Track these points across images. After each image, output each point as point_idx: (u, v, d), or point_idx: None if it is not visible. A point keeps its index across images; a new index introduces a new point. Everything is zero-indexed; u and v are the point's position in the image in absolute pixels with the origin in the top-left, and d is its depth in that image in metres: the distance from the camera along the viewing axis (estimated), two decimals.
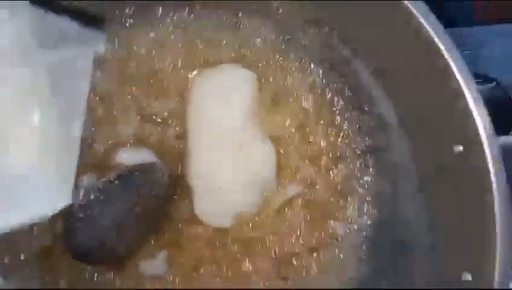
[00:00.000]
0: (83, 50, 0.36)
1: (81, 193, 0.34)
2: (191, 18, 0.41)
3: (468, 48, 0.58)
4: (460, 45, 0.57)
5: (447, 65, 0.32)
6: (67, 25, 0.35)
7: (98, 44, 0.38)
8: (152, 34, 0.41)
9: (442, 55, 0.32)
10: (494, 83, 0.55)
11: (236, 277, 0.39)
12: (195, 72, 0.41)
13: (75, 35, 0.36)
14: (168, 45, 0.41)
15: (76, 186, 0.34)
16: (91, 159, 0.38)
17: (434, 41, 0.32)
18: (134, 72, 0.40)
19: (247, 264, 0.40)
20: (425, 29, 0.32)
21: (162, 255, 0.39)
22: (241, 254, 0.40)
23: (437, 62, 0.32)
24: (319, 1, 0.37)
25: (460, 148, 0.30)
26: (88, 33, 0.37)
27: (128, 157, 0.37)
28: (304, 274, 0.40)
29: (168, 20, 0.41)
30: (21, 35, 0.30)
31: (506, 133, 0.48)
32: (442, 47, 0.32)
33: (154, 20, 0.41)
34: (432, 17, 0.32)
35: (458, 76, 0.31)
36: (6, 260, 0.37)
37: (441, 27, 0.32)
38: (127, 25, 0.40)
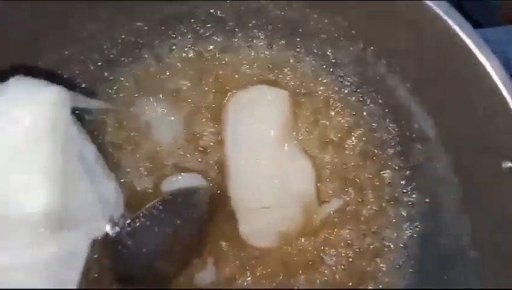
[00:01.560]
0: None
1: (127, 220, 0.35)
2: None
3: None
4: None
5: (489, 77, 0.31)
6: None
7: None
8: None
9: (483, 66, 0.31)
10: None
11: None
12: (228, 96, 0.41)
13: None
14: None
15: (123, 215, 0.35)
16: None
17: (472, 51, 0.31)
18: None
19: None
20: (463, 38, 0.31)
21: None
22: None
23: (477, 74, 0.31)
24: (352, 17, 0.37)
25: (509, 164, 0.30)
26: None
27: (172, 183, 0.38)
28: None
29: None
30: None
31: None
32: (481, 58, 0.31)
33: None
34: (469, 27, 0.31)
35: (502, 89, 0.30)
36: None
37: (479, 38, 0.31)
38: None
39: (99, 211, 0.33)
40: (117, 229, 0.35)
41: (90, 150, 0.34)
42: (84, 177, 0.32)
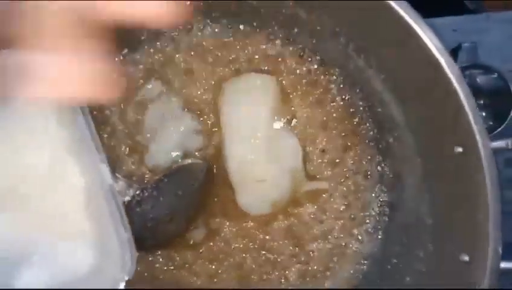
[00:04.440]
0: None
1: (137, 191, 0.41)
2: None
3: (468, 38, 0.61)
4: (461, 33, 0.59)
5: (446, 78, 0.36)
6: None
7: None
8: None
9: (441, 69, 0.36)
10: (496, 74, 0.58)
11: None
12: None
13: None
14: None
15: (131, 185, 0.41)
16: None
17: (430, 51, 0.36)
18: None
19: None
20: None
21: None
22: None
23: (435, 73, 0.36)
24: (337, 13, 0.41)
25: (460, 149, 0.36)
26: None
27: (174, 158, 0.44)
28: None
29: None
30: None
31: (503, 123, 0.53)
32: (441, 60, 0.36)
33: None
34: (434, 37, 0.35)
35: (456, 86, 0.35)
36: None
37: (440, 45, 0.36)
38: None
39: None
40: (128, 198, 0.40)
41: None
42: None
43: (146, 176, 0.45)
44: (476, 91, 0.55)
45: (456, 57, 0.58)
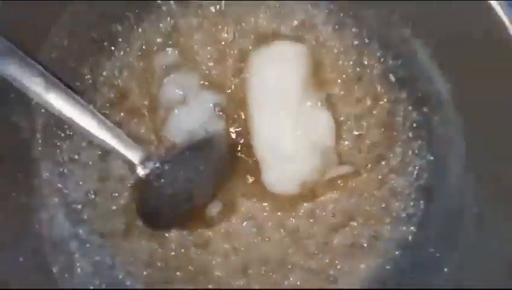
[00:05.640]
0: None
1: (157, 164, 0.38)
2: None
3: None
4: None
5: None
6: None
7: None
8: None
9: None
10: None
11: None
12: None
13: None
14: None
15: (151, 158, 0.38)
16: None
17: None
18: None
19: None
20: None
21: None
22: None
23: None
24: None
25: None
26: None
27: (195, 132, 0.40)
28: None
29: None
30: None
31: None
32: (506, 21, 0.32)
33: None
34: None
35: None
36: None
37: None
38: None
39: None
40: (147, 171, 0.37)
41: None
42: None
43: (166, 149, 0.42)
44: None
45: None
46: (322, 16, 0.43)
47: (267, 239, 0.43)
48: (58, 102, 0.35)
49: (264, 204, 0.43)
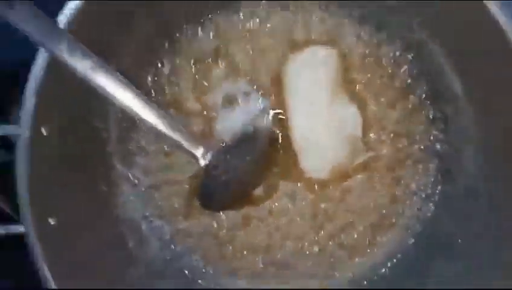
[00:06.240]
0: None
1: (214, 155, 0.45)
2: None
3: None
4: None
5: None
6: None
7: None
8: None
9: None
10: None
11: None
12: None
13: None
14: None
15: (209, 151, 0.45)
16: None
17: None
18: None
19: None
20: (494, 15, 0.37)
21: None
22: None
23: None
24: None
25: None
26: None
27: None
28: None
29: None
30: None
31: None
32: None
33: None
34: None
35: None
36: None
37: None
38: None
39: None
40: (206, 162, 0.45)
41: None
42: None
43: (219, 145, 0.48)
44: None
45: None
46: (349, 23, 0.49)
47: (304, 215, 0.50)
48: (134, 104, 0.40)
49: (301, 188, 0.50)
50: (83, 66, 0.37)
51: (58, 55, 0.36)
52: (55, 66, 0.38)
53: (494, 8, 0.38)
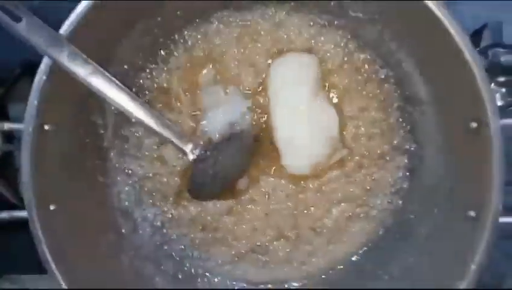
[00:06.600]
0: None
1: (202, 151, 0.50)
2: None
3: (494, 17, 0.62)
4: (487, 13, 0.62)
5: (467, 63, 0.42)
6: None
7: None
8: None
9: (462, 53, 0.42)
10: None
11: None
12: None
13: None
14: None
15: (197, 146, 0.49)
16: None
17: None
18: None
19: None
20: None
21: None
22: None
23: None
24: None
25: (475, 124, 0.42)
26: None
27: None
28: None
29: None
30: None
31: None
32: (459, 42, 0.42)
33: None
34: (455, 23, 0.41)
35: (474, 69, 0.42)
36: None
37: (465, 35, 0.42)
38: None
39: None
40: (195, 156, 0.49)
41: None
42: None
43: (207, 141, 0.53)
44: (498, 69, 0.60)
45: (480, 36, 0.62)
46: (327, 32, 0.53)
47: (283, 207, 0.55)
48: (130, 105, 0.45)
49: (281, 181, 0.55)
50: (83, 72, 0.41)
51: (60, 63, 0.40)
52: (57, 68, 0.42)
53: (446, 23, 0.42)
